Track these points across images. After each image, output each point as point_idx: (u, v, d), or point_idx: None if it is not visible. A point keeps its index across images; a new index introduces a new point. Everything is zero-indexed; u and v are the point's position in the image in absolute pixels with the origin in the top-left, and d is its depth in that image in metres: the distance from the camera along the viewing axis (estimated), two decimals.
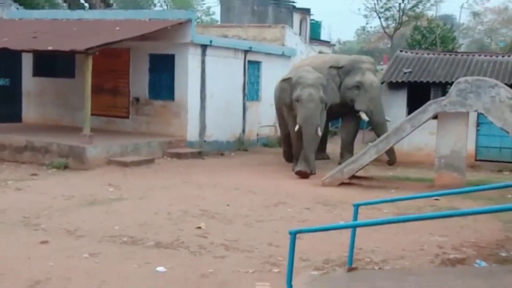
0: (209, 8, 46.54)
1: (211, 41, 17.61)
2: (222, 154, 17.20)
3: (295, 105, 13.81)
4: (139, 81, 17.49)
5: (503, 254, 7.60)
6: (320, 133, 13.95)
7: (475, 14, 47.78)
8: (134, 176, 13.06)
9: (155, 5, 45.73)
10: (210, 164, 15.32)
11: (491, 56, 18.36)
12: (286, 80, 14.44)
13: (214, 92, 17.56)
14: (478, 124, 15.90)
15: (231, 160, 16.58)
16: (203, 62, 17.33)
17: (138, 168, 13.94)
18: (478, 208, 7.18)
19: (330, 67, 15.31)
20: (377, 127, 15.04)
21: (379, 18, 38.78)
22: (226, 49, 18.32)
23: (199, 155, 16.26)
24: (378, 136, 14.30)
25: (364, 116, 14.91)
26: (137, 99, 17.50)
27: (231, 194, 11.45)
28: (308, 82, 13.81)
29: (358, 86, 14.91)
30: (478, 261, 7.17)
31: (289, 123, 14.60)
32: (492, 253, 7.66)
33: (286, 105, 14.42)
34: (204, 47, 17.30)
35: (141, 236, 8.08)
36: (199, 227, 8.64)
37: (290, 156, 15.10)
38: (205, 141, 17.34)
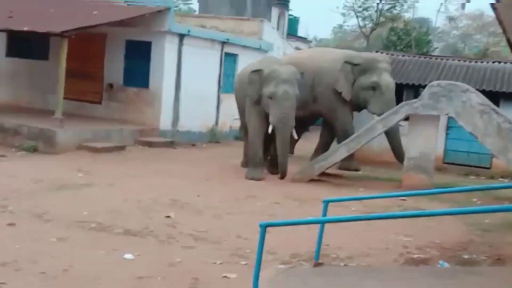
0: None
1: (189, 31, 17.56)
2: (194, 145, 17.21)
3: (266, 102, 12.58)
4: (114, 67, 17.36)
5: (466, 256, 7.78)
6: (295, 136, 13.10)
7: (451, 19, 48.37)
8: (105, 162, 13.00)
9: None
10: (182, 154, 15.32)
11: (464, 61, 18.67)
12: (256, 72, 12.82)
13: (189, 82, 17.53)
14: (448, 128, 16.15)
15: (203, 151, 16.59)
16: (179, 51, 17.28)
17: (108, 155, 13.87)
18: (444, 209, 7.33)
19: (345, 62, 14.29)
20: (389, 132, 13.68)
21: (357, 17, 39.05)
22: (204, 40, 18.29)
23: (171, 144, 16.24)
24: (390, 142, 14.18)
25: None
26: (111, 85, 17.38)
27: (202, 185, 11.48)
28: (283, 77, 12.53)
29: (374, 87, 14.01)
30: (441, 262, 7.33)
31: (250, 120, 13.18)
32: (455, 255, 7.83)
33: (252, 99, 12.93)
34: (181, 36, 17.25)
35: (110, 223, 8.07)
36: (168, 217, 8.67)
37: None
38: (177, 131, 17.32)
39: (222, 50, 19.07)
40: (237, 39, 20.07)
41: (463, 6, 31.77)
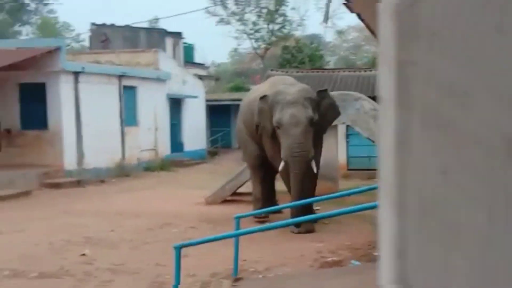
0: (78, 34, 45.61)
1: (83, 68, 17.43)
2: (103, 181, 16.99)
3: (278, 132, 9.99)
4: (9, 112, 16.94)
5: (375, 254, 8.22)
6: (315, 170, 10.16)
7: (340, 33, 50.39)
8: (11, 209, 12.61)
9: (21, 34, 44.22)
10: (91, 192, 15.10)
11: (354, 71, 19.64)
12: (263, 98, 10.21)
13: (90, 119, 17.36)
14: (348, 136, 16.88)
15: (112, 186, 16.42)
16: (76, 89, 17.10)
17: (14, 201, 13.48)
18: (341, 209, 7.69)
19: None
20: None
21: (250, 39, 39.93)
22: (100, 75, 18.20)
23: (79, 183, 15.97)
24: None
25: None
26: (9, 131, 16.91)
27: (114, 219, 11.40)
28: (288, 98, 9.90)
29: None
30: (352, 261, 7.71)
31: (274, 160, 10.48)
32: (366, 253, 8.25)
33: (267, 134, 10.31)
34: (76, 74, 17.09)
35: (23, 268, 7.89)
36: (84, 254, 8.57)
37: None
38: (84, 169, 17.06)
39: (120, 83, 19.03)
40: (134, 71, 20.09)
41: (325, 19, 33.25)
